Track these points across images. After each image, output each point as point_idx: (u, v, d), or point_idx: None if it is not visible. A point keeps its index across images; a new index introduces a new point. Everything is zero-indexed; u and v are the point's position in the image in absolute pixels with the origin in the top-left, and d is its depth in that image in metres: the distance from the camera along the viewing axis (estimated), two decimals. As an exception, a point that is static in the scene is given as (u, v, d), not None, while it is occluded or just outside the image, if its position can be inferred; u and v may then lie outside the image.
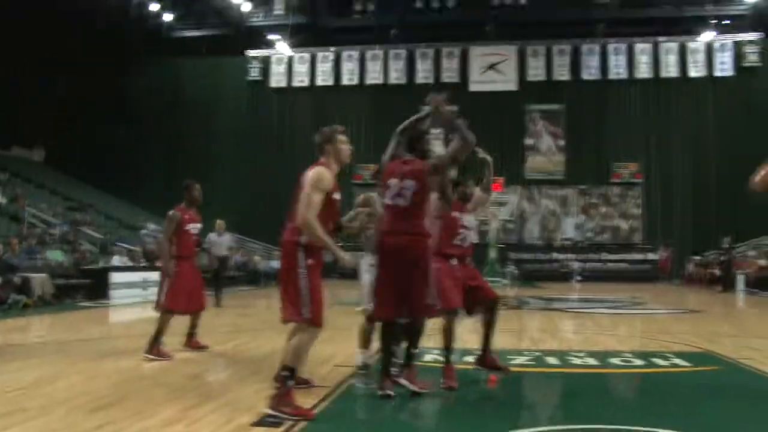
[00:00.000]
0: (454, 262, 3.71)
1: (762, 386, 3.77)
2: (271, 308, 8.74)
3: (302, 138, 23.67)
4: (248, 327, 7.02)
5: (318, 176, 3.01)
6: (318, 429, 2.75)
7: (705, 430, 2.74)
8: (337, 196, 3.08)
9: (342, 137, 3.21)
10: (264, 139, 23.99)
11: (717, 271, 17.95)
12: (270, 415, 2.79)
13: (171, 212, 4.84)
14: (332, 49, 24.10)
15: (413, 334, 3.37)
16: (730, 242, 17.69)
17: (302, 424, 2.75)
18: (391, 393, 3.20)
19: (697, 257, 20.88)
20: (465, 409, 3.18)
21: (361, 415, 3.16)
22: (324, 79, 24.02)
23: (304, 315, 2.91)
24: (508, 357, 4.49)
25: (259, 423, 2.75)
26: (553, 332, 6.92)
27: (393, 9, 23.07)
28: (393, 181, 3.27)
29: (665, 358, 4.69)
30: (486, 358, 3.85)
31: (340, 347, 4.67)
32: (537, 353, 4.86)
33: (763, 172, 2.93)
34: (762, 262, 17.69)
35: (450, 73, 23.51)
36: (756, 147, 21.08)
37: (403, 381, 3.31)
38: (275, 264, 18.33)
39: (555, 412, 3.31)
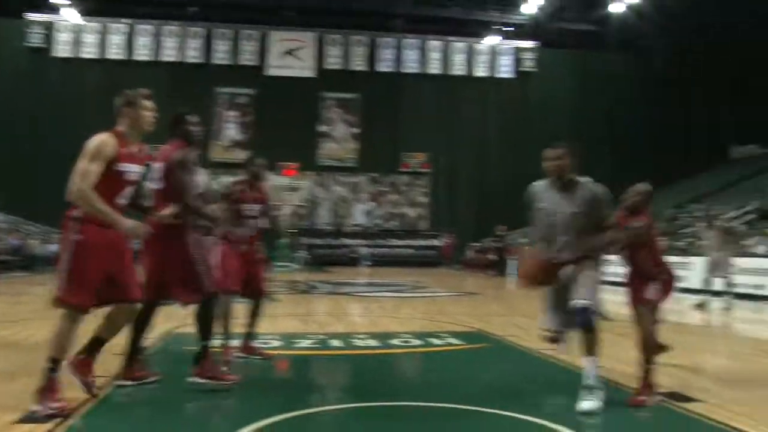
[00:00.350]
0: (244, 246, 5.35)
1: (523, 359, 5.91)
2: (46, 296, 13.11)
3: (90, 113, 32.52)
4: (19, 316, 8.50)
5: (99, 143, 3.72)
6: (90, 424, 3.49)
7: (471, 400, 3.97)
8: (127, 167, 3.82)
9: (147, 102, 3.98)
10: (45, 111, 31.94)
11: (492, 257, 29.49)
12: (34, 411, 3.47)
13: None
14: (126, 20, 33.26)
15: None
16: (504, 230, 29.53)
17: (71, 420, 3.44)
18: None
19: (477, 244, 33.10)
20: (251, 393, 4.29)
21: (137, 409, 3.98)
22: (116, 52, 33.14)
23: (59, 294, 3.66)
24: (294, 341, 6.33)
25: (24, 420, 3.41)
26: (340, 316, 9.24)
27: (192, -16, 32.79)
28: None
29: (441, 338, 6.85)
30: (247, 346, 5.41)
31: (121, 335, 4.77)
32: (322, 336, 6.75)
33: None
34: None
35: (248, 55, 33.92)
36: (531, 144, 34.09)
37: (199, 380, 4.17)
38: (54, 248, 25.00)
39: (338, 392, 4.72)
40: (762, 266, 14.68)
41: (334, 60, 34.48)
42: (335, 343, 6.51)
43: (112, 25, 33.27)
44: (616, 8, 31.63)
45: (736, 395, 4.40)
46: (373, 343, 6.61)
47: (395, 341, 6.70)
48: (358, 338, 6.84)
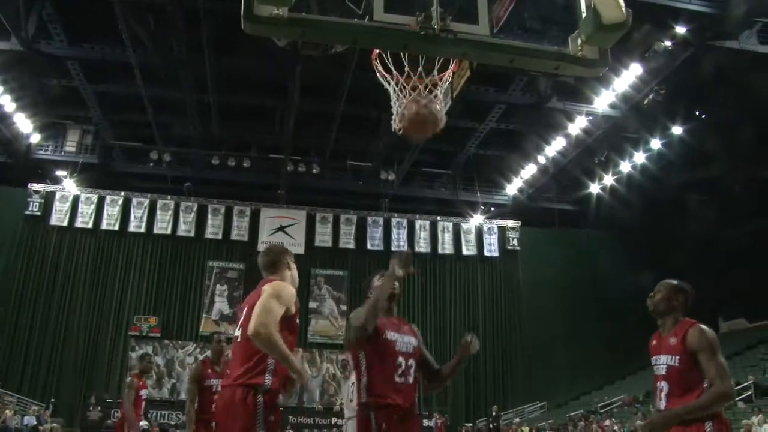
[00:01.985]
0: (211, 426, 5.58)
1: None
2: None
3: (78, 282, 32.84)
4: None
5: (281, 287, 3.49)
6: None
7: None
8: (297, 321, 3.46)
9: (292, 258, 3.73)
10: (33, 280, 32.44)
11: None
12: None
13: None
14: (122, 193, 34.28)
15: None
16: (497, 410, 28.98)
17: None
18: None
19: (469, 424, 32.15)
20: None
21: None
22: (110, 223, 33.80)
23: None
24: None
25: None
26: None
27: (189, 162, 34.14)
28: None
29: None
30: None
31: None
32: None
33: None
34: (525, 429, 29.19)
35: (240, 231, 34.62)
36: (517, 321, 34.30)
37: None
38: (30, 420, 24.48)
39: None
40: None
41: (323, 237, 35.24)
42: None
43: (108, 197, 34.13)
44: (594, 189, 33.21)
45: None
46: None
47: None
48: None
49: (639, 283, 36.24)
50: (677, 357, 3.46)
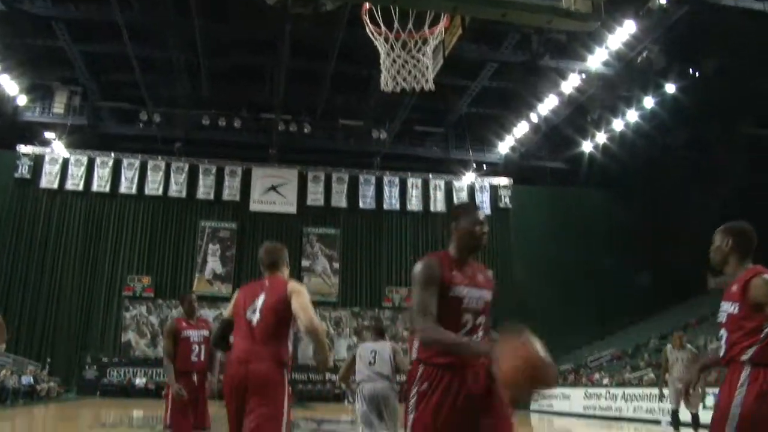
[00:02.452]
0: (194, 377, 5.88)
1: None
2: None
3: (71, 244, 32.81)
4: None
5: (304, 289, 4.10)
6: None
7: None
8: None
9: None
10: (25, 242, 32.43)
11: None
12: None
13: None
14: (112, 154, 34.01)
15: None
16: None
17: None
18: None
19: (460, 382, 32.65)
20: None
21: None
22: (100, 185, 33.60)
23: None
24: None
25: None
26: None
27: (179, 122, 33.83)
28: None
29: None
30: None
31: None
32: None
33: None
34: None
35: (231, 191, 34.49)
36: (508, 279, 34.47)
37: None
38: (27, 380, 24.62)
39: None
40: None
41: (315, 196, 35.16)
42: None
43: (98, 159, 33.88)
44: (586, 147, 33.11)
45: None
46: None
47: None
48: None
49: (630, 241, 36.70)
50: (737, 304, 3.33)
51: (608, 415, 20.32)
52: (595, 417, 20.52)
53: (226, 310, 4.45)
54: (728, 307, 3.37)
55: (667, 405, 17.51)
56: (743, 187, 33.37)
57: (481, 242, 3.35)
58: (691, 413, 10.03)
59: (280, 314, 4.10)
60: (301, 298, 4.10)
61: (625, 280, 33.70)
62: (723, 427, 3.15)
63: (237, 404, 3.98)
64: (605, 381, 23.57)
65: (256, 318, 4.12)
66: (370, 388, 6.94)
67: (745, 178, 33.59)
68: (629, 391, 20.26)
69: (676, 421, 10.12)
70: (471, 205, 3.59)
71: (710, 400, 13.24)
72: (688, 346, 10.68)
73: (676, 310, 31.92)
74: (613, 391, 21.25)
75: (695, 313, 29.66)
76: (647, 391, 19.04)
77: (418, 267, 3.23)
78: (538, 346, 2.73)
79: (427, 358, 3.08)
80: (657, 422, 16.94)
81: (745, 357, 3.24)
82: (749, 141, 31.17)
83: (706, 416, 14.64)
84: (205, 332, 6.19)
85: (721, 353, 3.37)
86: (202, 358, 6.11)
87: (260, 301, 4.17)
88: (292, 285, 4.20)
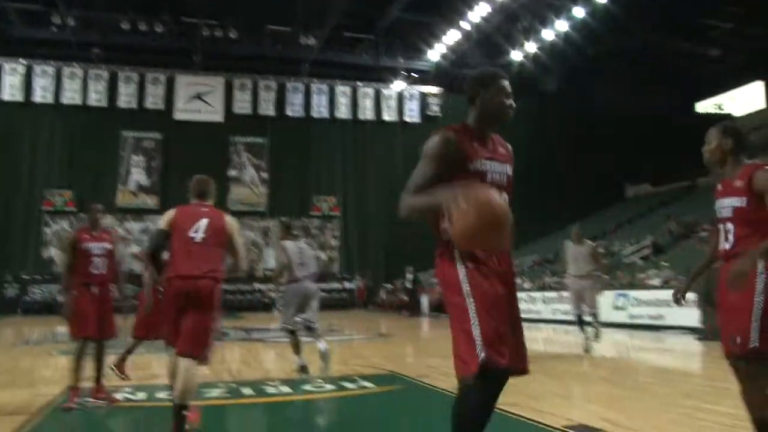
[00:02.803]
0: (94, 288, 5.99)
1: (433, 399, 5.93)
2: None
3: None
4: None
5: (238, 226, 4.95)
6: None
7: None
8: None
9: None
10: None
11: (405, 298, 29.76)
12: None
13: None
14: (23, 60, 32.16)
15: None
16: (413, 271, 29.84)
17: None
18: None
19: (389, 285, 33.30)
20: None
21: None
22: (12, 93, 31.91)
23: None
24: (204, 390, 6.04)
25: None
26: (252, 363, 9.26)
27: (95, 26, 32.07)
28: None
29: (354, 382, 6.91)
30: (96, 390, 5.86)
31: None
32: (234, 385, 6.65)
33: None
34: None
35: (155, 99, 33.34)
36: (517, 182, 34.72)
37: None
38: None
39: None
40: (658, 298, 15.35)
41: (242, 104, 34.34)
42: (247, 391, 6.46)
43: (7, 65, 32.06)
44: (517, 56, 33.05)
45: (638, 423, 4.56)
46: (286, 389, 6.63)
47: (308, 387, 6.75)
48: (271, 385, 6.84)
49: (555, 149, 37.34)
50: (744, 198, 3.39)
51: (528, 317, 21.16)
52: (514, 320, 21.35)
53: (162, 223, 4.88)
54: (734, 202, 3.44)
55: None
56: (668, 99, 34.22)
57: (509, 115, 3.13)
58: (590, 314, 10.30)
59: (220, 239, 4.73)
60: (240, 237, 4.93)
61: (549, 188, 34.59)
62: (748, 317, 3.22)
63: (177, 310, 4.52)
64: (526, 285, 24.46)
65: (199, 237, 4.67)
66: (301, 287, 7.69)
67: (671, 91, 34.35)
68: (548, 294, 21.18)
69: (581, 323, 10.44)
70: (497, 72, 3.14)
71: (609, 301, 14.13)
72: (587, 241, 10.69)
73: (596, 217, 33.09)
74: (533, 294, 22.17)
75: (614, 220, 30.86)
76: (565, 294, 19.95)
77: (433, 139, 2.93)
78: (489, 193, 2.68)
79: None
80: (572, 323, 17.83)
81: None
82: (674, 55, 31.74)
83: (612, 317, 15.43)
84: (107, 245, 6.22)
85: (728, 246, 3.46)
86: (103, 270, 6.12)
87: (203, 223, 4.71)
88: (231, 221, 4.91)
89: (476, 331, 2.66)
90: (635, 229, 28.12)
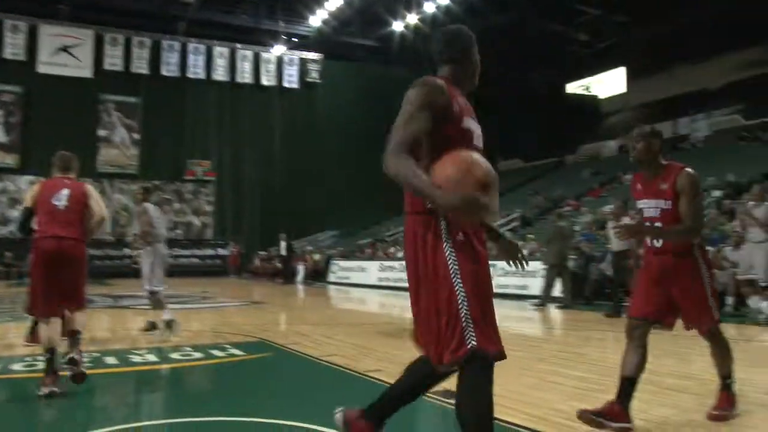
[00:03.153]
0: None
1: (302, 367, 6.05)
2: None
3: None
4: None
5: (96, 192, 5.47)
6: None
7: (251, 412, 4.02)
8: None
9: None
10: None
11: (279, 265, 29.48)
12: None
13: None
14: None
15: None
16: (287, 238, 29.56)
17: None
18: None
19: (263, 252, 32.95)
20: (16, 420, 4.16)
21: None
22: None
23: None
24: (63, 360, 5.41)
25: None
26: (119, 331, 8.89)
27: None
28: None
29: (223, 349, 6.82)
30: None
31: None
32: (96, 354, 6.33)
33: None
34: (316, 256, 30.17)
35: (15, 49, 31.06)
36: (314, 154, 34.78)
37: None
38: None
39: (110, 413, 4.46)
40: (526, 267, 16.00)
41: (113, 61, 32.64)
42: (111, 360, 6.22)
43: None
44: (398, 26, 33.28)
45: (499, 388, 4.81)
46: (152, 358, 6.45)
47: (175, 355, 6.59)
48: (137, 354, 6.63)
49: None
50: (670, 201, 3.77)
51: (400, 285, 21.67)
52: (388, 288, 21.78)
53: (26, 201, 5.31)
54: (661, 204, 3.81)
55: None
56: (542, 78, 35.53)
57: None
58: None
59: (81, 205, 5.21)
60: (99, 201, 5.41)
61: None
62: (706, 301, 3.80)
63: (50, 272, 4.99)
64: (400, 255, 24.97)
65: (62, 205, 5.13)
66: (161, 249, 8.33)
67: (545, 70, 35.64)
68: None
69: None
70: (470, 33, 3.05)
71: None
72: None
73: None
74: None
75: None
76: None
77: (421, 85, 2.68)
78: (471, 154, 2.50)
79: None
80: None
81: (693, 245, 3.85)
82: (549, 36, 32.94)
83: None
84: None
85: (657, 244, 3.87)
86: None
87: (65, 193, 5.18)
88: (90, 189, 5.41)
89: (465, 315, 2.44)
90: (505, 202, 29.25)
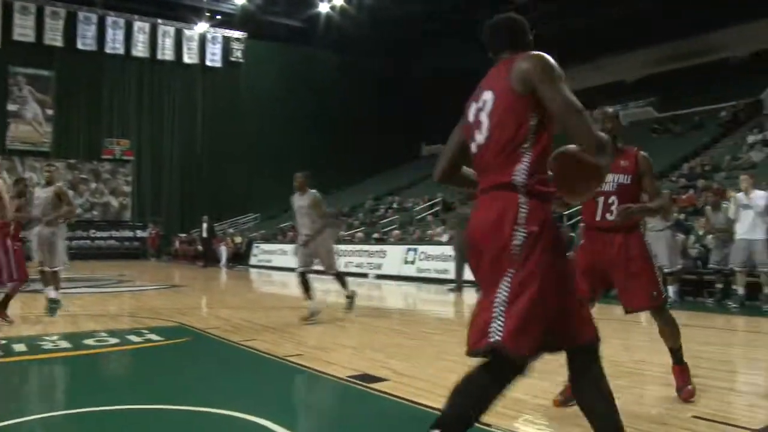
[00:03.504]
0: None
1: (221, 352, 5.98)
2: None
3: None
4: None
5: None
6: None
7: (166, 399, 3.93)
8: None
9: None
10: None
11: (200, 248, 28.83)
12: None
13: None
14: None
15: None
16: (208, 220, 28.92)
17: None
18: None
19: (184, 235, 32.20)
20: None
21: None
22: None
23: None
24: None
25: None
26: (30, 318, 8.37)
27: None
28: None
29: (140, 335, 6.62)
30: None
31: None
32: (3, 342, 5.97)
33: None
34: (238, 239, 29.61)
35: None
36: (236, 135, 34.15)
37: None
38: None
39: (17, 404, 4.16)
40: (445, 252, 16.22)
41: (24, 31, 31.03)
42: (19, 348, 5.93)
43: None
44: (323, 8, 32.95)
45: (419, 371, 4.87)
46: (64, 345, 6.18)
47: (90, 341, 6.36)
48: (48, 341, 6.34)
49: (356, 105, 38.00)
50: (629, 176, 4.00)
51: (322, 269, 21.66)
52: (309, 271, 21.67)
53: None
54: (620, 179, 4.01)
55: (377, 260, 19.30)
56: (468, 63, 35.79)
57: None
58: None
59: None
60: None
61: (351, 142, 35.26)
62: (654, 278, 3.95)
63: None
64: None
65: None
66: (36, 231, 8.26)
67: (470, 54, 35.92)
68: (342, 247, 21.63)
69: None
70: None
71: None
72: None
73: (393, 173, 34.32)
74: (327, 247, 22.54)
75: (409, 177, 32.15)
76: (358, 247, 20.59)
77: (551, 59, 2.48)
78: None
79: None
80: (365, 275, 18.50)
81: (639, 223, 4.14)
82: (476, 23, 33.16)
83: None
84: None
85: (609, 216, 3.99)
86: None
87: None
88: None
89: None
90: (428, 186, 29.54)
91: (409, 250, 18.02)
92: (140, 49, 33.47)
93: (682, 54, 31.39)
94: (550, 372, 3.64)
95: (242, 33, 35.59)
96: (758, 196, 9.72)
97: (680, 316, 4.49)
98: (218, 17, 34.79)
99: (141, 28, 33.56)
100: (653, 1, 28.65)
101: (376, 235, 22.82)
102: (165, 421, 3.65)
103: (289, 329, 7.36)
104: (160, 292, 13.15)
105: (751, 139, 19.70)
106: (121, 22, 33.12)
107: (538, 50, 2.59)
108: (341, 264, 16.55)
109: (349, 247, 20.92)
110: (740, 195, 9.80)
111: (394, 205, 27.23)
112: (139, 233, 32.72)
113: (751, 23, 28.85)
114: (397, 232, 21.55)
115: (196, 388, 4.50)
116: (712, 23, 29.30)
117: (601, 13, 29.47)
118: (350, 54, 36.18)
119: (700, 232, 11.50)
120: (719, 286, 10.45)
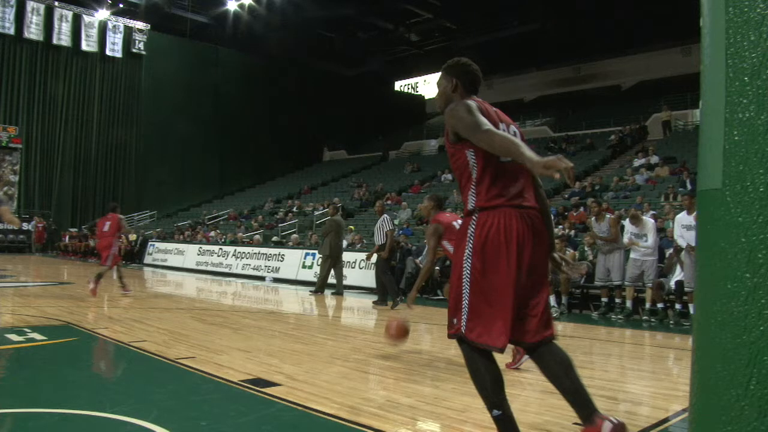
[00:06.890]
0: None
1: (107, 352, 5.87)
2: None
3: None
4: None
5: None
6: None
7: (49, 402, 3.75)
8: None
9: None
10: None
11: (92, 244, 27.58)
12: None
13: None
14: None
15: None
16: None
17: None
18: None
19: (75, 229, 30.81)
20: None
21: None
22: None
23: None
24: None
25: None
26: None
27: None
28: None
29: (22, 333, 6.32)
30: None
31: None
32: None
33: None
34: (132, 237, 28.49)
35: None
36: (136, 130, 33.01)
37: None
38: None
39: None
40: (344, 259, 16.19)
41: None
42: None
43: None
44: (232, 6, 32.50)
45: (311, 376, 4.87)
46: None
47: (-36, 341, 5.99)
48: None
49: (266, 108, 37.77)
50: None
51: (219, 270, 21.26)
52: (206, 272, 21.30)
53: None
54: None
55: (271, 263, 19.12)
56: (375, 73, 36.24)
57: None
58: None
59: None
60: None
61: (247, 144, 34.89)
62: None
63: None
64: (219, 239, 24.46)
65: None
66: None
67: (377, 65, 36.38)
68: (240, 249, 21.33)
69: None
70: None
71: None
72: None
73: (295, 177, 34.17)
74: (225, 248, 22.19)
75: (310, 181, 32.09)
76: (256, 249, 20.35)
77: (464, 103, 2.88)
78: None
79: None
80: (262, 278, 18.34)
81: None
82: (383, 33, 33.61)
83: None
84: None
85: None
86: None
87: None
88: None
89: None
90: (328, 191, 29.58)
91: (307, 254, 17.95)
92: (33, 32, 31.83)
93: (578, 78, 32.90)
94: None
95: (145, 24, 34.47)
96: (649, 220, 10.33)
97: (566, 328, 4.68)
98: (121, 6, 33.65)
99: (35, 8, 31.92)
100: (554, 25, 29.93)
101: (275, 239, 22.64)
102: (45, 425, 3.48)
103: (181, 331, 7.18)
104: (45, 288, 12.57)
105: (636, 162, 20.86)
106: (14, 1, 31.36)
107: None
108: (239, 266, 16.33)
109: (247, 250, 20.65)
110: (681, 215, 9.68)
111: (294, 209, 27.09)
112: (26, 226, 31.08)
113: (640, 54, 30.71)
114: (295, 236, 21.42)
115: (80, 390, 4.32)
116: (609, 51, 30.96)
117: (502, 34, 30.57)
118: (256, 55, 35.82)
119: (586, 247, 12.00)
120: (604, 300, 10.93)
